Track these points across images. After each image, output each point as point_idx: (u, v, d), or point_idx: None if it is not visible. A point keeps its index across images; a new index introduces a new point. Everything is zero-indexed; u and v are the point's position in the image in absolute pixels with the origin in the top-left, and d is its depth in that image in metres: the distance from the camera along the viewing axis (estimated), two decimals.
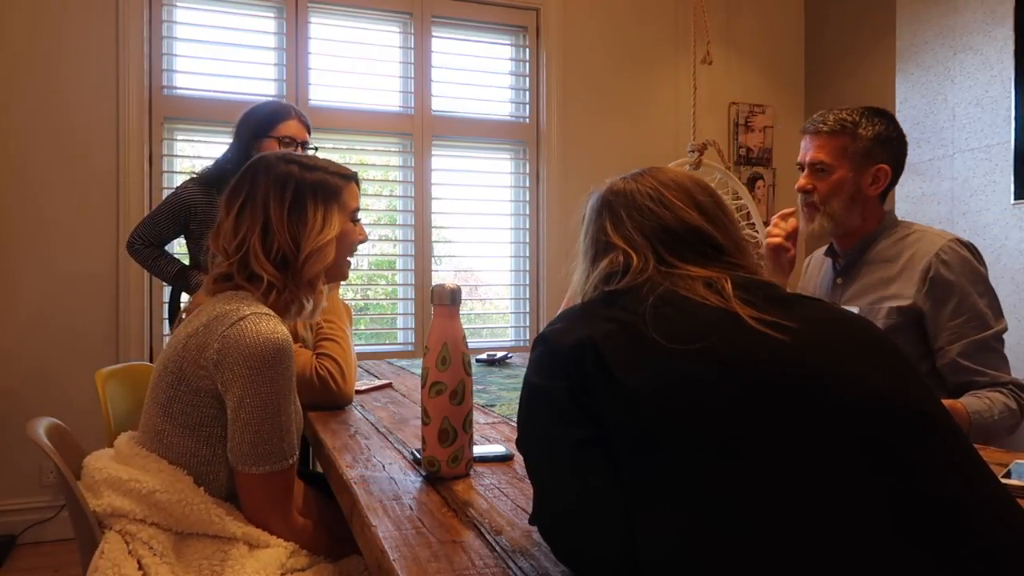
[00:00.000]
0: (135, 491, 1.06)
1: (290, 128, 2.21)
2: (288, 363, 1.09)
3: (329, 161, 1.29)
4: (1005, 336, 1.46)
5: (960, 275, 1.43)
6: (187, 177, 2.35)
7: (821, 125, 1.53)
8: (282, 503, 1.12)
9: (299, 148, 2.20)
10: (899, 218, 1.61)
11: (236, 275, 1.17)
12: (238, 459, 1.07)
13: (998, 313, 1.46)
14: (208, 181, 2.27)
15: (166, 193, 2.88)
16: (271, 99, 2.34)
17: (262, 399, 1.06)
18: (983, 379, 1.40)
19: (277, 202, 1.19)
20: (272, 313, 1.12)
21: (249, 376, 1.06)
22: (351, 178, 1.30)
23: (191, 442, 1.11)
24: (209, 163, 2.34)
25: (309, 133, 2.27)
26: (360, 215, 1.35)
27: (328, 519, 1.25)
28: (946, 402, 0.69)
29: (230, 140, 2.31)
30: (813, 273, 1.76)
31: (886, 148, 1.52)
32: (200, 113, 2.96)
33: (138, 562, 1.02)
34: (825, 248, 1.70)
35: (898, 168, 1.55)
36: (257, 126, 2.21)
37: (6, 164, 2.71)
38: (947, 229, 2.71)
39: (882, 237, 1.55)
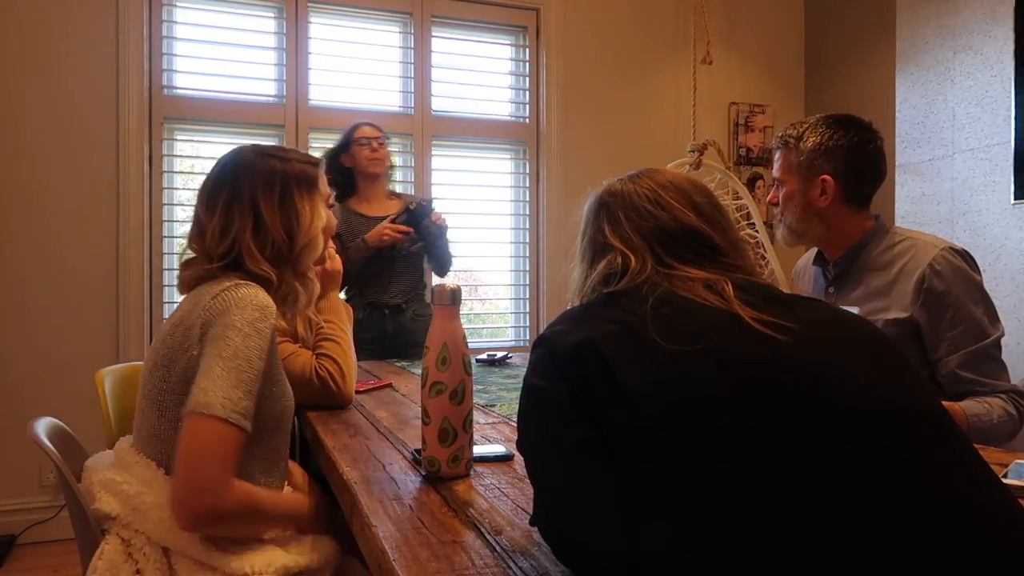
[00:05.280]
0: (123, 492, 1.05)
1: (363, 131, 2.59)
2: (267, 326, 1.06)
3: (296, 151, 1.28)
4: (1006, 337, 1.46)
5: (954, 285, 1.42)
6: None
7: (778, 140, 1.59)
8: (226, 459, 0.99)
9: (373, 142, 2.56)
10: (891, 223, 1.60)
11: (223, 275, 1.14)
12: (193, 404, 0.98)
13: (995, 319, 1.45)
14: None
15: (166, 193, 2.90)
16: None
17: (234, 347, 1.02)
18: (983, 389, 1.40)
19: (266, 197, 1.17)
20: (253, 284, 1.10)
21: (226, 328, 1.03)
22: (319, 165, 1.28)
23: None
24: None
25: (382, 132, 2.63)
26: None
27: (325, 509, 1.25)
28: (944, 404, 0.69)
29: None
30: (802, 282, 1.76)
31: (828, 158, 1.50)
32: (200, 113, 2.96)
33: (136, 567, 1.02)
34: (813, 257, 1.70)
35: (848, 176, 1.50)
36: (342, 141, 2.63)
37: (5, 164, 2.71)
38: (947, 229, 2.73)
39: (872, 244, 1.54)
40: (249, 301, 1.06)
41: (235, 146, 1.26)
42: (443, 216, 2.52)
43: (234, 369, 1.01)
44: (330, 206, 1.30)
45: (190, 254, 1.21)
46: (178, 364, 1.08)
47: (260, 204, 1.17)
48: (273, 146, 1.26)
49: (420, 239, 2.50)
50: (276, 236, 1.17)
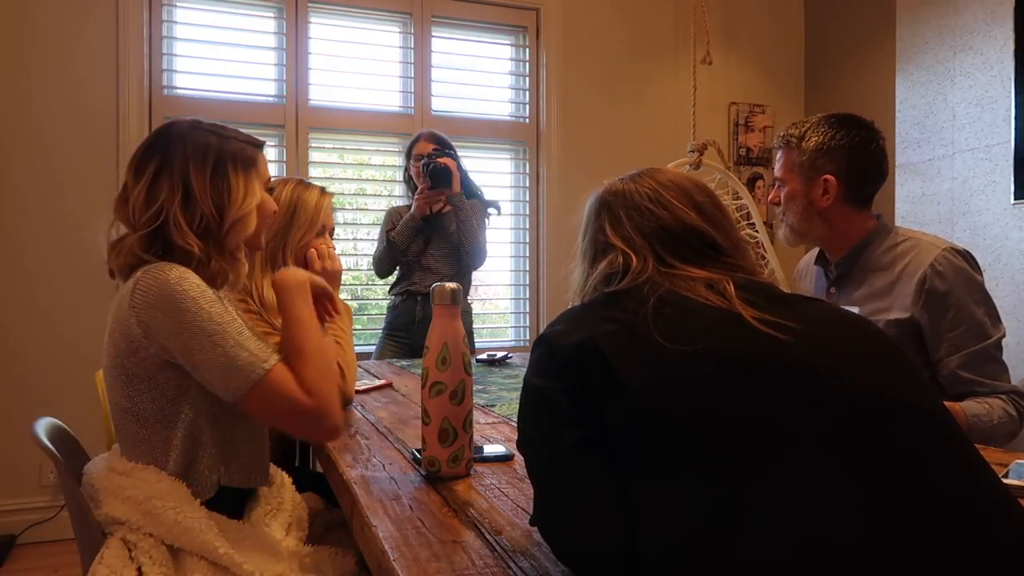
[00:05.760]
0: (133, 498, 1.05)
1: (419, 147, 2.72)
2: (195, 287, 1.05)
3: (238, 130, 1.23)
4: (1006, 337, 1.46)
5: (956, 285, 1.42)
6: None
7: (779, 140, 1.59)
8: (293, 392, 1.05)
9: (425, 159, 2.67)
10: (894, 223, 1.60)
11: (147, 249, 1.10)
12: (229, 393, 1.03)
13: (996, 320, 1.44)
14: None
15: None
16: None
17: (201, 330, 1.02)
18: (983, 389, 1.40)
19: (199, 170, 1.13)
20: (160, 261, 1.08)
21: (175, 322, 1.02)
22: (261, 147, 1.25)
23: (173, 437, 1.09)
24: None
25: (443, 146, 2.72)
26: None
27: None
28: (945, 404, 0.70)
29: None
30: (804, 282, 1.76)
31: (830, 158, 1.50)
32: (200, 113, 2.94)
33: (138, 570, 1.02)
34: (815, 257, 1.70)
35: (850, 176, 1.50)
36: (406, 152, 2.81)
37: (5, 164, 2.71)
38: (947, 229, 2.73)
39: (874, 244, 1.54)
40: (167, 289, 1.03)
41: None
42: (446, 160, 2.64)
43: (220, 342, 1.02)
44: (268, 189, 1.26)
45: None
46: (135, 369, 1.07)
47: (191, 175, 1.12)
48: (213, 123, 1.21)
49: (435, 187, 2.63)
50: (205, 210, 1.12)
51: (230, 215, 1.15)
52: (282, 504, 1.23)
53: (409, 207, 2.78)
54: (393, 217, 2.78)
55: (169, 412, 1.09)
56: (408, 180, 2.84)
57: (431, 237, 2.73)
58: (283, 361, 1.07)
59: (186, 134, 1.16)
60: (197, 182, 1.12)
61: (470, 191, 2.76)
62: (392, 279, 2.85)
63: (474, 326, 3.45)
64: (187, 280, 1.04)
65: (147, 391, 1.08)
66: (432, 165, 2.61)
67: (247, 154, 1.19)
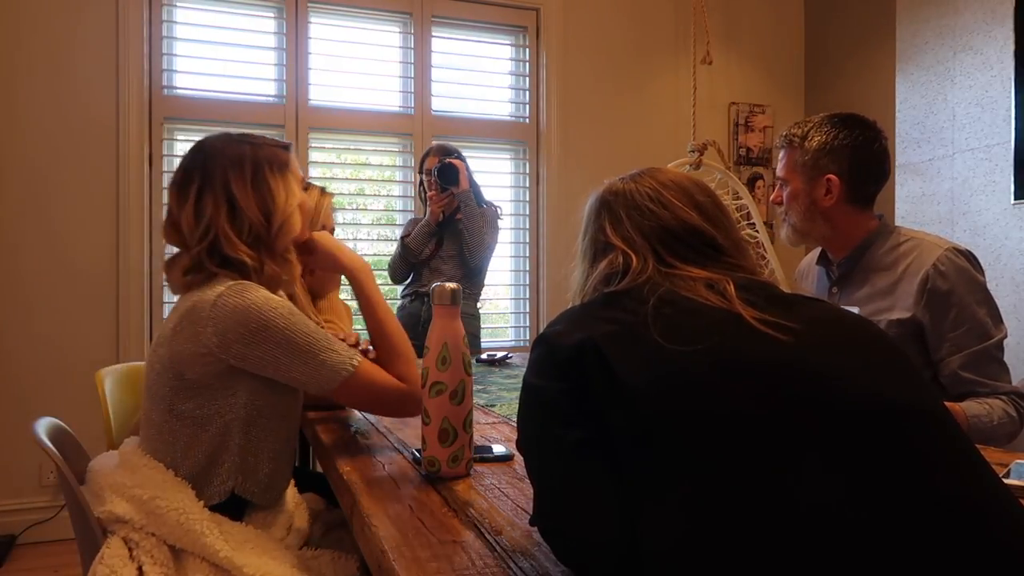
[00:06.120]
0: (137, 497, 1.05)
1: (429, 162, 2.74)
2: (282, 306, 1.10)
3: (265, 137, 1.27)
4: (1007, 337, 1.46)
5: (958, 285, 1.42)
6: None
7: (782, 139, 1.59)
8: (379, 381, 1.16)
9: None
10: (895, 223, 1.59)
11: (207, 263, 1.14)
12: (318, 388, 1.11)
13: (997, 320, 1.44)
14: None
15: (165, 193, 2.90)
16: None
17: (292, 342, 1.08)
18: (984, 390, 1.40)
19: (239, 180, 1.16)
20: (239, 282, 1.11)
21: (262, 338, 1.07)
22: (289, 149, 1.28)
23: (202, 435, 1.10)
24: None
25: (451, 154, 2.74)
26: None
27: None
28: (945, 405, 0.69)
29: None
30: (806, 283, 1.76)
31: (833, 157, 1.50)
32: (200, 113, 2.96)
33: (139, 569, 1.02)
34: (816, 257, 1.70)
35: (853, 176, 1.50)
36: (418, 169, 2.87)
37: (6, 164, 2.71)
38: (947, 229, 2.73)
39: (876, 244, 1.54)
40: (254, 311, 1.07)
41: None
42: (454, 161, 2.68)
43: (311, 350, 1.10)
44: (304, 188, 1.29)
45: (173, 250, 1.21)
46: (192, 369, 1.08)
47: (232, 187, 1.16)
48: (242, 133, 1.25)
49: (443, 184, 2.68)
50: (252, 218, 1.16)
51: (276, 218, 1.18)
52: (282, 505, 1.23)
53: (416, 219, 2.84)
54: (410, 226, 2.83)
55: (207, 412, 1.11)
56: (423, 195, 2.86)
57: (443, 241, 2.76)
58: (374, 351, 1.22)
59: (220, 148, 1.20)
60: (240, 192, 1.16)
61: (481, 202, 2.79)
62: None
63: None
64: (272, 299, 1.10)
65: (194, 388, 1.10)
66: (440, 165, 2.66)
67: (280, 158, 1.23)
